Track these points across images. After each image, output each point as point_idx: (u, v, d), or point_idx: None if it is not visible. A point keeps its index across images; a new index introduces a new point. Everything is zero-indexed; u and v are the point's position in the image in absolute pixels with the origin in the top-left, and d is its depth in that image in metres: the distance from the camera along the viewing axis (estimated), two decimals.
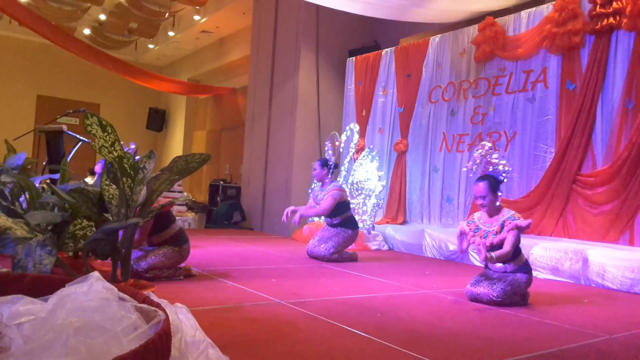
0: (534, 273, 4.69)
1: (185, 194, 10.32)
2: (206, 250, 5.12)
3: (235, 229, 8.39)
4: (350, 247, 5.24)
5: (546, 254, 4.73)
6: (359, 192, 6.32)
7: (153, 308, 1.14)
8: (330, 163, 5.27)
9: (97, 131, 1.85)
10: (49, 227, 2.03)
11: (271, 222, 8.17)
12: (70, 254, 2.41)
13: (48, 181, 3.35)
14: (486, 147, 3.44)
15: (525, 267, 3.40)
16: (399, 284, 3.84)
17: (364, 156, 6.36)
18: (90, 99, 13.78)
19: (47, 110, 13.11)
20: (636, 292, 4.09)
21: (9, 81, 12.62)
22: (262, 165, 8.65)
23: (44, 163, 6.29)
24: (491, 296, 3.26)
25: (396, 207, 6.77)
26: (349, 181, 6.42)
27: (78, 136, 5.69)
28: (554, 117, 5.28)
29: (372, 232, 6.28)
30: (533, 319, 2.95)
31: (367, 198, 6.26)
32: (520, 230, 3.29)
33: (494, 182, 3.35)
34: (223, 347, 2.07)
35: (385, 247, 6.32)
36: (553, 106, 5.29)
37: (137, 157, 4.03)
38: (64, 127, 5.57)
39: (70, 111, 5.96)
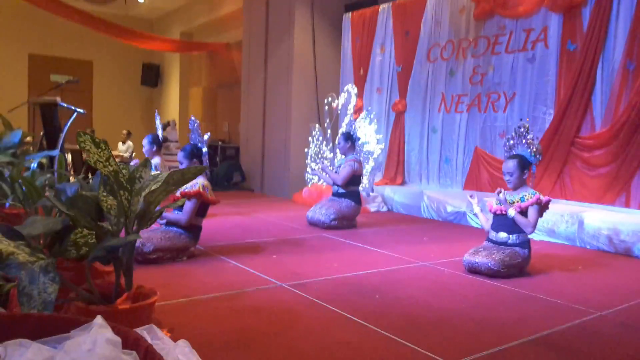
0: (530, 235, 4.79)
1: None
2: (207, 220, 5.18)
3: (235, 190, 8.45)
4: None
5: (543, 216, 4.79)
6: (358, 154, 6.32)
7: None
8: (354, 135, 5.39)
9: (90, 147, 1.85)
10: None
11: (271, 183, 8.22)
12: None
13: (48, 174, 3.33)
14: (525, 126, 3.57)
15: (526, 244, 3.48)
16: (398, 255, 3.92)
17: (362, 118, 6.31)
18: (83, 56, 13.51)
19: (40, 69, 12.92)
20: (629, 254, 4.19)
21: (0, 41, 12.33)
22: (260, 125, 8.59)
23: (41, 133, 6.26)
24: (489, 265, 3.35)
25: (395, 167, 6.80)
26: None
27: (73, 107, 5.63)
28: (553, 79, 5.20)
29: (370, 194, 6.34)
30: (527, 294, 3.04)
31: (366, 161, 6.27)
32: (541, 204, 3.44)
33: (523, 161, 3.50)
34: (226, 345, 2.16)
35: (385, 209, 6.40)
36: (553, 67, 5.20)
37: (198, 137, 4.06)
38: (58, 99, 5.50)
39: (63, 82, 5.88)
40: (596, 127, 4.87)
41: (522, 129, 3.58)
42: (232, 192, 8.17)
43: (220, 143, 9.69)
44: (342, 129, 6.60)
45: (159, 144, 5.37)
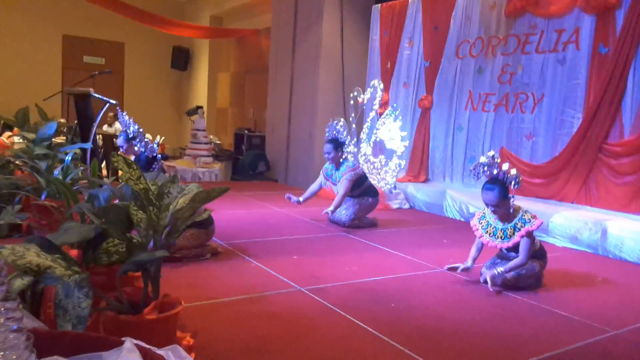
0: (553, 240, 4.81)
1: (211, 137, 10.47)
2: (232, 214, 5.32)
3: (260, 180, 8.57)
4: None
5: (566, 222, 4.78)
6: (382, 151, 6.35)
7: None
8: (342, 141, 5.18)
9: (123, 167, 1.96)
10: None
11: (295, 174, 8.32)
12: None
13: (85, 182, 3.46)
14: (491, 156, 3.30)
15: (540, 253, 3.47)
16: (416, 260, 3.98)
17: (387, 115, 6.32)
18: (115, 37, 13.73)
19: (73, 50, 13.19)
20: None
21: (35, 22, 12.60)
22: (286, 115, 8.67)
23: (75, 122, 6.47)
24: (506, 279, 3.38)
25: (419, 164, 6.80)
26: (372, 140, 6.43)
27: (105, 98, 5.79)
28: (583, 82, 5.12)
29: (393, 191, 6.37)
30: (543, 307, 3.07)
31: (389, 158, 6.29)
32: (532, 234, 3.31)
33: (504, 189, 3.25)
34: (244, 351, 2.28)
35: (407, 206, 6.43)
36: (583, 70, 5.11)
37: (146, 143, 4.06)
38: (91, 91, 5.67)
39: (97, 73, 6.05)
40: (625, 134, 4.79)
41: (492, 159, 3.28)
42: (256, 183, 8.31)
43: (246, 132, 9.79)
44: (367, 124, 6.63)
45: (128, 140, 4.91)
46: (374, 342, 2.45)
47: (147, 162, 3.81)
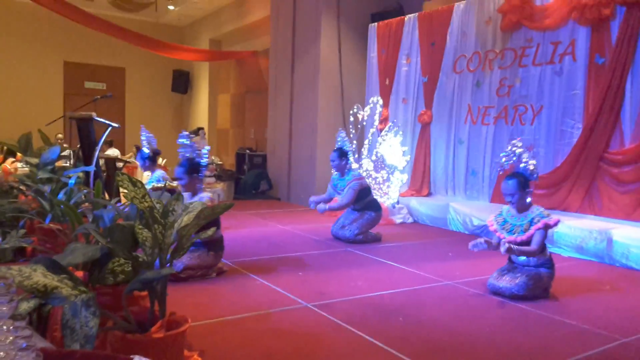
0: (558, 250, 4.80)
1: (213, 158, 10.50)
2: (236, 233, 5.32)
3: (262, 198, 8.58)
4: None
5: (571, 232, 4.77)
6: (383, 166, 6.37)
7: None
8: (347, 151, 5.27)
9: (128, 186, 1.97)
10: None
11: (297, 192, 8.33)
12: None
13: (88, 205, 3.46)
14: (518, 146, 3.48)
15: (549, 263, 3.46)
16: (422, 273, 3.97)
17: (387, 131, 6.36)
18: (116, 63, 13.89)
19: (75, 76, 13.33)
20: None
21: (36, 49, 12.75)
22: (286, 134, 8.71)
23: (78, 146, 6.51)
24: (513, 290, 3.37)
25: (420, 179, 6.82)
26: (373, 156, 6.46)
27: (107, 122, 5.82)
28: (581, 92, 5.15)
29: (396, 205, 6.37)
30: (551, 317, 3.05)
31: (391, 174, 6.30)
32: (549, 228, 3.37)
33: (523, 180, 3.41)
34: None
35: (410, 220, 6.42)
36: (581, 80, 5.15)
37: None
38: (94, 114, 5.71)
39: (99, 97, 6.11)
40: (625, 143, 4.80)
41: (519, 149, 3.46)
42: (259, 201, 8.31)
43: (247, 152, 9.83)
44: (368, 140, 6.66)
45: (150, 158, 5.26)
46: (383, 356, 2.43)
47: (191, 167, 3.83)
